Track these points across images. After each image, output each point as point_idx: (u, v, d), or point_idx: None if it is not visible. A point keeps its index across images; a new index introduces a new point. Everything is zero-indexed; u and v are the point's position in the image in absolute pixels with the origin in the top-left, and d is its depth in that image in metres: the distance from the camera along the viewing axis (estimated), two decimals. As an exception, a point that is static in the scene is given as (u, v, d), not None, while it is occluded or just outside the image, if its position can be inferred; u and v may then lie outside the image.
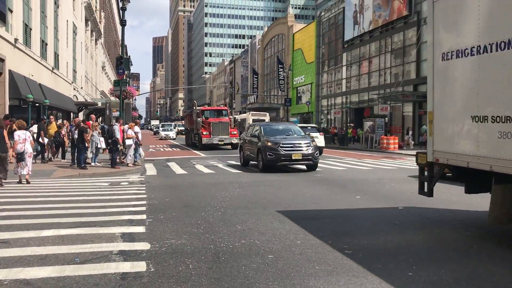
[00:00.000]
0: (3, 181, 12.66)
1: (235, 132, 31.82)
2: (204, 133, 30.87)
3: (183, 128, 65.19)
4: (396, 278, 4.92)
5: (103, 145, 19.45)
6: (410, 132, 34.78)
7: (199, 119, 32.56)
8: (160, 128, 63.17)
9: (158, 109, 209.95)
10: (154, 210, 8.76)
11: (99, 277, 4.92)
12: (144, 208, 8.91)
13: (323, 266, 5.32)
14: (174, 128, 64.29)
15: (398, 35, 42.71)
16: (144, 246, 6.13)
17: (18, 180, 13.15)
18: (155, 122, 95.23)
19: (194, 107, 34.96)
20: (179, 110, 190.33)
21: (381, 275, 5.02)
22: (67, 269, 5.16)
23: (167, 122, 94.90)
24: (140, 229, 7.11)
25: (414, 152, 9.50)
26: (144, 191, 11.49)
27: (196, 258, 5.62)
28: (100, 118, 53.87)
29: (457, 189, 9.82)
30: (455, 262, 5.52)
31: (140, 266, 5.27)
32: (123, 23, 25.33)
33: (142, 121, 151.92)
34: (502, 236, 6.76)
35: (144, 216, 8.09)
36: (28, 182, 13.13)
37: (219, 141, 30.88)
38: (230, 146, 31.76)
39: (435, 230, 7.17)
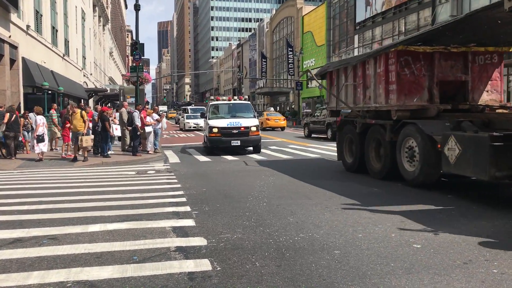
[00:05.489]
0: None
1: None
2: None
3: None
4: (481, 275, 4.60)
5: (118, 133, 19.13)
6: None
7: None
8: (185, 116, 42.50)
9: (165, 95, 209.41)
10: (196, 201, 8.46)
11: (165, 277, 4.62)
12: (184, 199, 8.61)
13: (398, 263, 4.99)
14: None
15: (412, 15, 41.94)
16: (200, 241, 5.83)
17: (37, 159, 15.65)
18: (163, 108, 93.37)
19: None
20: (186, 95, 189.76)
21: (464, 272, 4.70)
22: (129, 268, 4.86)
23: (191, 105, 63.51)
24: (190, 222, 6.80)
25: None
26: (175, 180, 11.19)
27: (259, 254, 5.31)
28: (109, 104, 53.73)
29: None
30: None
31: (205, 265, 4.97)
32: (137, 7, 24.86)
33: (149, 107, 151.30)
34: None
35: (188, 208, 7.78)
36: (41, 160, 15.65)
37: None
38: None
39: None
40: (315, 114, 30.23)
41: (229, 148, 18.08)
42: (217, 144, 18.05)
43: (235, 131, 17.89)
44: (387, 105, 10.58)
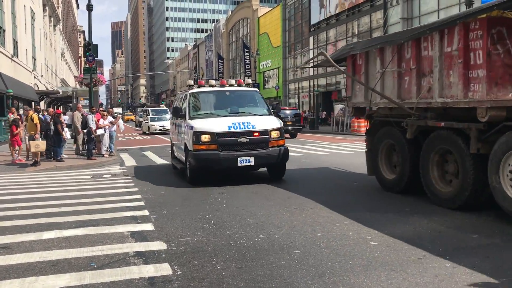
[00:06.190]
0: None
1: None
2: None
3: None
4: (434, 269, 4.77)
5: (68, 136, 18.75)
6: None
7: None
8: (149, 117, 38.77)
9: (120, 96, 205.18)
10: (154, 204, 8.35)
11: (124, 283, 4.55)
12: (142, 203, 8.48)
13: (356, 261, 5.11)
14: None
15: (365, 18, 42.92)
16: (160, 245, 5.77)
17: None
18: (117, 110, 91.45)
19: None
20: (142, 96, 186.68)
21: (419, 267, 4.87)
22: (86, 276, 4.75)
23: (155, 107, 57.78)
24: (148, 226, 6.72)
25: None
26: (132, 184, 11.00)
27: (220, 257, 5.31)
28: (61, 106, 52.14)
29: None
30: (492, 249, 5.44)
31: (165, 269, 4.92)
32: (89, 7, 24.28)
33: (103, 109, 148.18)
34: None
35: (146, 212, 7.67)
36: None
37: None
38: None
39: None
40: None
41: (233, 172, 11.06)
42: (210, 165, 10.21)
43: (243, 140, 10.15)
44: (468, 99, 7.04)
